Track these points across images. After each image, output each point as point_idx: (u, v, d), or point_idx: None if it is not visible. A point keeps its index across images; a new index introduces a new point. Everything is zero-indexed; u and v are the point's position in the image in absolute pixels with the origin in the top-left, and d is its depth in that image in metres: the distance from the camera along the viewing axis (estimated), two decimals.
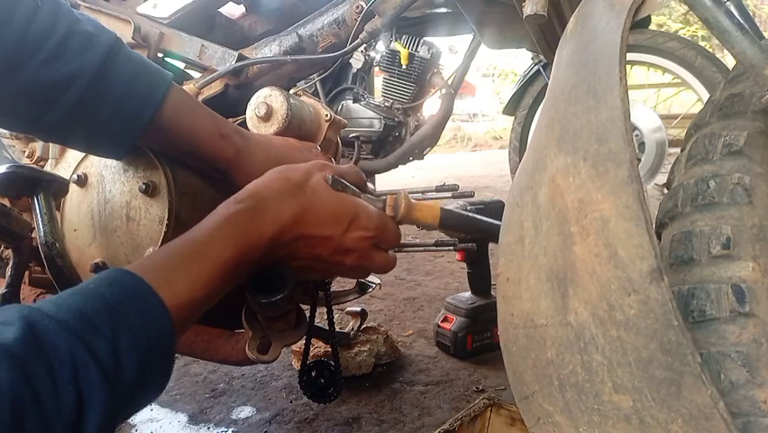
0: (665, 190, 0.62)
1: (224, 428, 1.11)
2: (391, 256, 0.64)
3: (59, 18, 0.59)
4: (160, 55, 1.04)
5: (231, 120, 1.00)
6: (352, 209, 0.58)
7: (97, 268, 0.73)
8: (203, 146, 0.67)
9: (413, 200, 0.64)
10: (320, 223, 0.56)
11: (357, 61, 2.27)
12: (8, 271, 0.71)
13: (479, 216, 0.69)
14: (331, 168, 0.62)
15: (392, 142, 2.30)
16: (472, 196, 0.78)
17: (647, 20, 2.34)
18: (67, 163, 0.82)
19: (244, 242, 0.52)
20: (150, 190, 0.70)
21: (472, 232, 0.71)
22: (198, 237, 0.51)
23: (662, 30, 4.62)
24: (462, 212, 0.68)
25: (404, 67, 2.23)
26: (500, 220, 0.60)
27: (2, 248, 0.85)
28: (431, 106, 2.38)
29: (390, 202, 0.62)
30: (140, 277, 0.45)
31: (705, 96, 2.11)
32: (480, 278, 1.47)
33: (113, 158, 0.69)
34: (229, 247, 0.51)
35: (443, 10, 2.02)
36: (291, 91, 0.91)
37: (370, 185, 0.71)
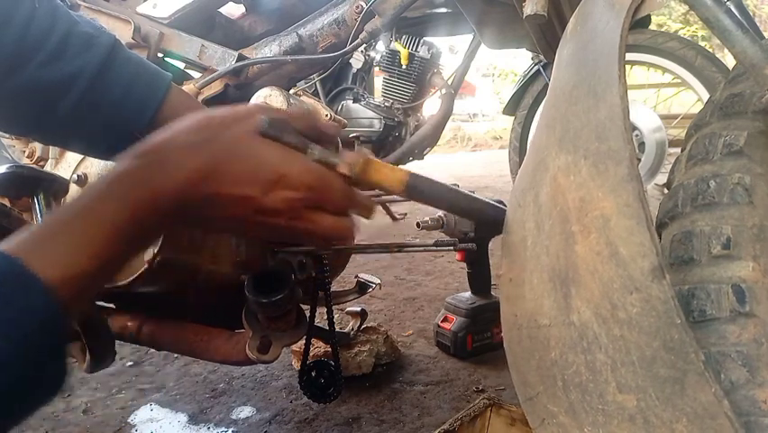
0: (665, 190, 0.62)
1: (223, 428, 1.11)
2: (344, 221, 0.54)
3: (57, 19, 0.59)
4: (159, 55, 1.04)
5: None
6: (277, 166, 0.49)
7: None
8: None
9: (377, 160, 0.55)
10: (234, 181, 0.48)
11: (357, 61, 2.27)
12: None
13: (455, 188, 0.61)
14: (269, 112, 0.52)
15: (392, 142, 2.30)
16: None
17: (647, 20, 2.34)
18: (67, 163, 0.82)
19: (140, 202, 0.45)
20: None
21: (444, 205, 0.61)
22: (87, 200, 0.44)
23: (662, 30, 4.62)
24: (436, 181, 0.59)
25: (404, 67, 2.23)
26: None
27: None
28: (431, 106, 2.38)
29: (347, 159, 0.53)
30: (10, 255, 0.38)
31: (705, 96, 2.11)
32: (480, 278, 1.47)
33: (112, 160, 0.69)
34: (122, 208, 0.44)
35: (443, 10, 2.02)
36: (291, 91, 0.91)
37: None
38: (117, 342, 0.79)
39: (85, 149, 0.69)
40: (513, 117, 2.73)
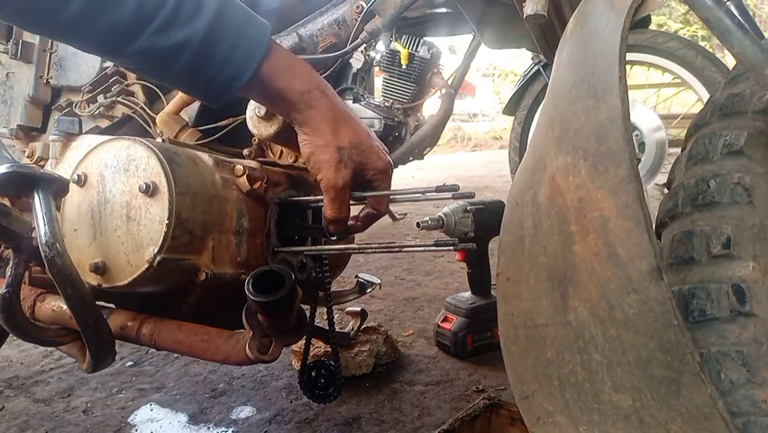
0: (665, 190, 0.62)
1: (223, 428, 1.11)
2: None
3: None
4: None
5: (231, 120, 1.00)
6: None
7: (97, 268, 0.73)
8: (286, 104, 0.69)
9: None
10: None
11: (357, 61, 2.27)
12: (8, 271, 0.71)
13: None
14: None
15: (392, 143, 2.30)
16: (472, 196, 0.78)
17: (647, 20, 2.34)
18: (67, 163, 0.82)
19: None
20: (150, 190, 0.70)
21: None
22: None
23: (662, 30, 4.63)
24: None
25: (404, 67, 2.22)
26: (501, 220, 0.60)
27: (2, 248, 0.85)
28: (431, 106, 2.37)
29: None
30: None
31: (705, 96, 2.11)
32: (480, 278, 1.47)
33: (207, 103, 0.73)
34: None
35: (443, 10, 2.02)
36: None
37: None
38: (117, 342, 0.79)
39: (183, 91, 0.74)
40: (513, 117, 2.73)
